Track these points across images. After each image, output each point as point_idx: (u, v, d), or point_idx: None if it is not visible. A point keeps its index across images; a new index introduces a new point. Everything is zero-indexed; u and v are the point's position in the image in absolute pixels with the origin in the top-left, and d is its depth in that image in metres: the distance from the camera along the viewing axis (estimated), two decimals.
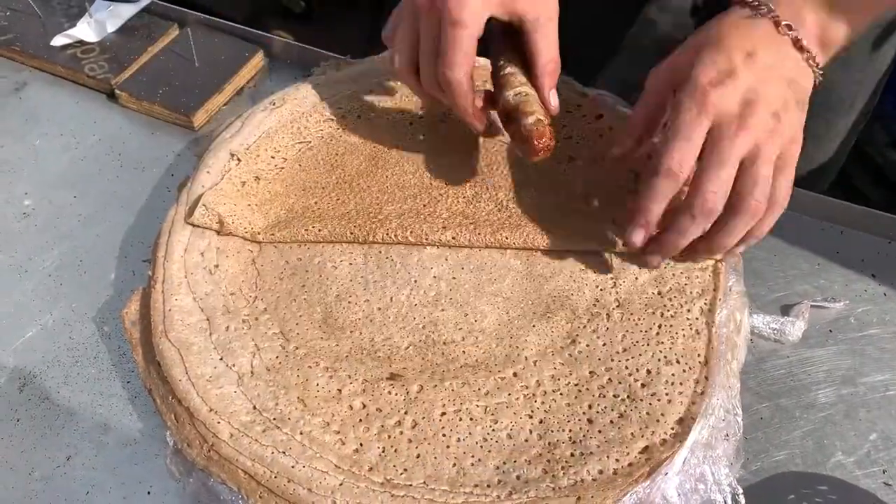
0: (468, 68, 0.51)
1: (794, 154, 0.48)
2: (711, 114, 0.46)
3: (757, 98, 0.46)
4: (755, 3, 0.48)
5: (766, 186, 0.47)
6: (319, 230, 0.55)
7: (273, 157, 0.60)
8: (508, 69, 0.53)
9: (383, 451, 0.46)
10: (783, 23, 0.48)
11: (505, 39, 0.55)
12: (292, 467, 0.45)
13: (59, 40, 0.73)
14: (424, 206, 0.57)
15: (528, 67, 0.53)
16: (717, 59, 0.47)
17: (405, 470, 0.45)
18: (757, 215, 0.47)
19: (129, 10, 0.76)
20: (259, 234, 0.55)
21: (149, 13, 0.77)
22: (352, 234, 0.55)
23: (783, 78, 0.48)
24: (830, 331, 0.55)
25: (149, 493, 0.48)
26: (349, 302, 0.53)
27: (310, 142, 0.62)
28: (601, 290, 0.52)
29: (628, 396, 0.47)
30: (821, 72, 0.49)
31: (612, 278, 0.53)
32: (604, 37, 0.74)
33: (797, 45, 0.48)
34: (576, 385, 0.48)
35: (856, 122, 0.77)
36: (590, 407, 0.47)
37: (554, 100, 0.53)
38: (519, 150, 0.53)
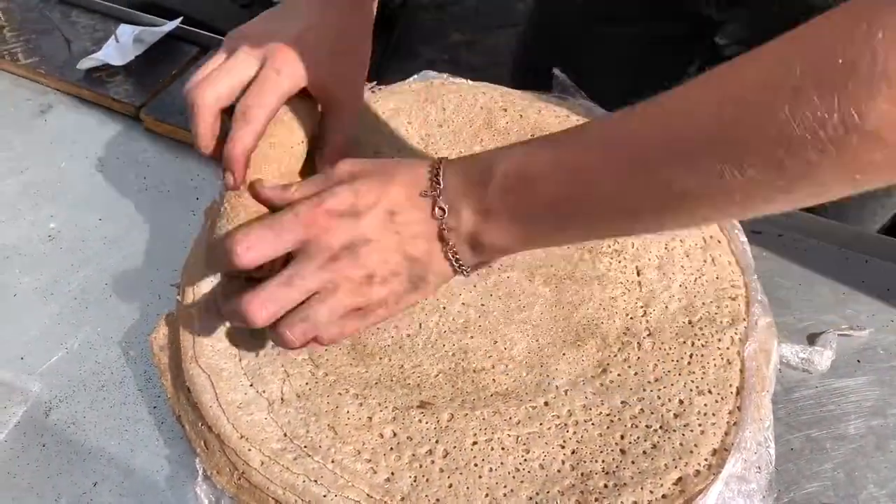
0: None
1: (377, 317, 0.46)
2: (309, 227, 0.44)
3: (364, 251, 0.44)
4: (433, 181, 0.45)
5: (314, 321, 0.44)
6: None
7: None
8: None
9: (415, 481, 0.45)
10: (440, 206, 0.44)
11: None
12: (324, 496, 0.44)
13: (85, 64, 0.74)
14: None
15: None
16: (360, 190, 0.44)
17: (437, 500, 0.45)
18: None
19: (154, 35, 0.77)
20: None
21: (173, 38, 0.78)
22: None
23: (407, 250, 0.45)
24: (858, 361, 0.55)
25: None
26: (378, 328, 0.53)
27: None
28: (631, 318, 0.52)
29: (661, 427, 0.47)
30: (467, 269, 0.46)
31: (642, 307, 0.53)
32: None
33: (441, 232, 0.44)
34: (608, 415, 0.48)
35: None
36: (622, 437, 0.47)
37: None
38: None
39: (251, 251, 0.43)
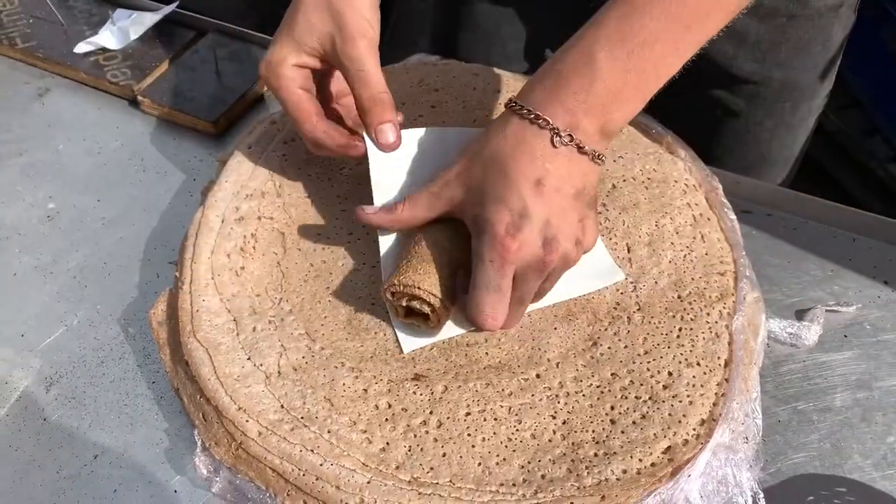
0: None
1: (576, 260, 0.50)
2: (515, 263, 0.47)
3: (555, 234, 0.47)
4: (532, 116, 0.47)
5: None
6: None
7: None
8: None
9: (409, 450, 0.46)
10: (562, 133, 0.47)
11: None
12: (320, 465, 0.45)
13: (82, 47, 0.75)
14: None
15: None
16: (508, 197, 0.47)
17: (431, 469, 0.46)
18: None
19: (151, 19, 0.77)
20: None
21: (170, 21, 0.79)
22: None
23: (572, 194, 0.47)
24: (845, 336, 0.56)
25: (175, 491, 0.49)
26: (373, 304, 0.53)
27: None
28: (622, 293, 0.53)
29: (650, 398, 0.48)
30: (602, 159, 0.49)
31: (632, 282, 0.54)
32: None
33: (580, 150, 0.47)
34: (598, 386, 0.49)
35: (817, 107, 0.78)
36: (612, 408, 0.48)
37: (382, 135, 0.54)
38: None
39: (497, 319, 0.48)
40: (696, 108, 0.74)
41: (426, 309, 0.49)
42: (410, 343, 0.51)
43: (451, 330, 0.52)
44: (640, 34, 0.46)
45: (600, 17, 0.47)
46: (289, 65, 0.53)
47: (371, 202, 0.53)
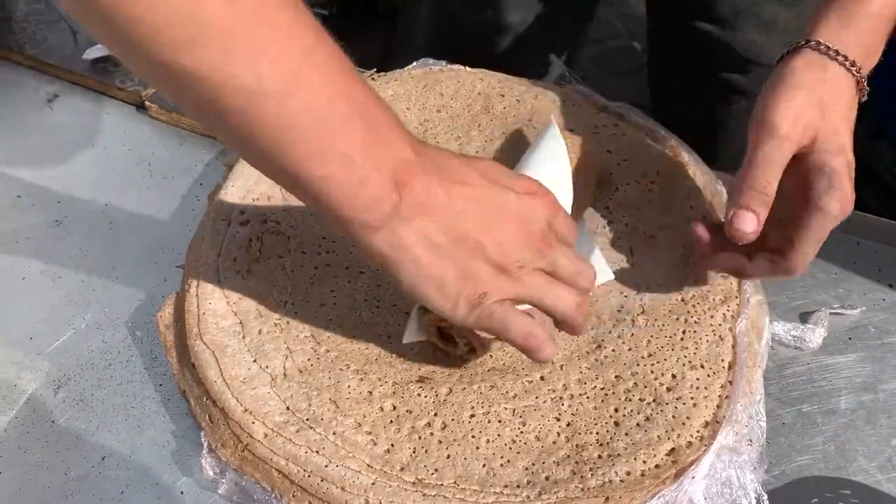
0: None
1: None
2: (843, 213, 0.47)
3: (851, 166, 0.48)
4: (848, 63, 0.49)
5: None
6: None
7: None
8: None
9: (414, 452, 0.47)
10: (853, 66, 0.49)
11: None
12: (326, 466, 0.46)
13: (90, 54, 0.75)
14: None
15: None
16: (848, 152, 0.48)
17: (436, 470, 0.46)
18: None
19: None
20: None
21: None
22: None
23: (852, 121, 0.50)
24: (850, 338, 0.56)
25: (182, 492, 0.49)
26: (377, 307, 0.54)
27: None
28: (625, 296, 0.53)
29: (654, 400, 0.48)
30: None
31: (635, 285, 0.54)
32: None
33: (859, 86, 0.50)
34: (602, 389, 0.49)
35: None
36: (616, 410, 0.48)
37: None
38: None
39: (547, 348, 0.44)
40: (721, 96, 0.74)
41: (463, 346, 0.49)
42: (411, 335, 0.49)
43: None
44: None
45: None
46: None
47: None
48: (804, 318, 0.57)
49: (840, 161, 0.47)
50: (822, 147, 0.48)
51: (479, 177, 0.42)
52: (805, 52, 0.49)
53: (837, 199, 0.46)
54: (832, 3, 0.50)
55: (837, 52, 0.48)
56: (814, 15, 0.50)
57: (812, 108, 0.48)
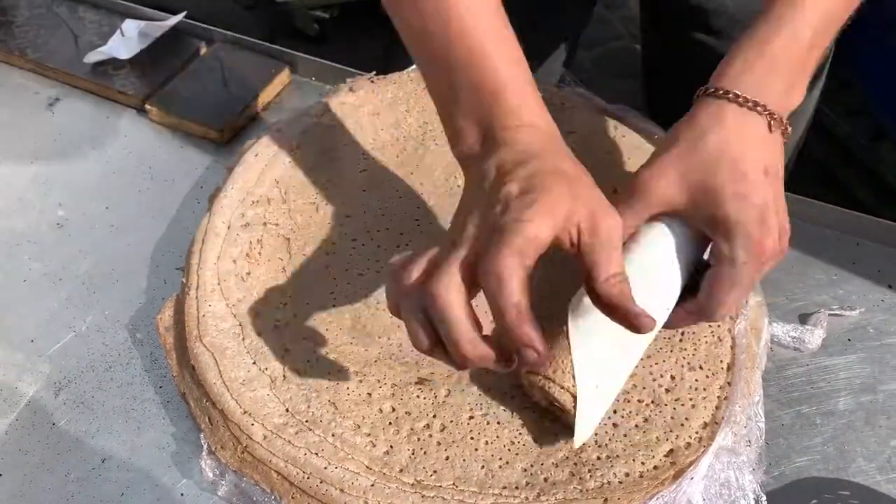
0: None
1: None
2: (768, 262, 0.46)
3: (782, 221, 0.47)
4: (750, 104, 0.47)
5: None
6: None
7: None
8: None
9: (413, 454, 0.47)
10: (776, 117, 0.47)
11: None
12: (325, 468, 0.46)
13: (91, 57, 0.76)
14: None
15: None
16: (748, 192, 0.45)
17: (435, 471, 0.46)
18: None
19: (159, 29, 0.78)
20: None
21: (178, 31, 0.80)
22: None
23: (781, 176, 0.48)
24: (849, 339, 0.56)
25: (182, 494, 0.49)
26: (376, 309, 0.54)
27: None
28: None
29: (653, 401, 0.48)
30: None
31: None
32: None
33: (784, 132, 0.49)
34: None
35: (818, 88, 0.79)
36: (615, 412, 0.48)
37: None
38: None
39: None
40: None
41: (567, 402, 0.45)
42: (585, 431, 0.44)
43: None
44: (833, 10, 0.48)
45: None
46: None
47: None
48: (803, 319, 0.57)
49: (737, 207, 0.45)
50: (714, 200, 0.45)
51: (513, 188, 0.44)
52: (703, 100, 0.48)
53: (741, 246, 0.44)
54: (735, 52, 0.49)
55: (737, 95, 0.47)
56: (718, 66, 0.49)
57: (691, 164, 0.47)
